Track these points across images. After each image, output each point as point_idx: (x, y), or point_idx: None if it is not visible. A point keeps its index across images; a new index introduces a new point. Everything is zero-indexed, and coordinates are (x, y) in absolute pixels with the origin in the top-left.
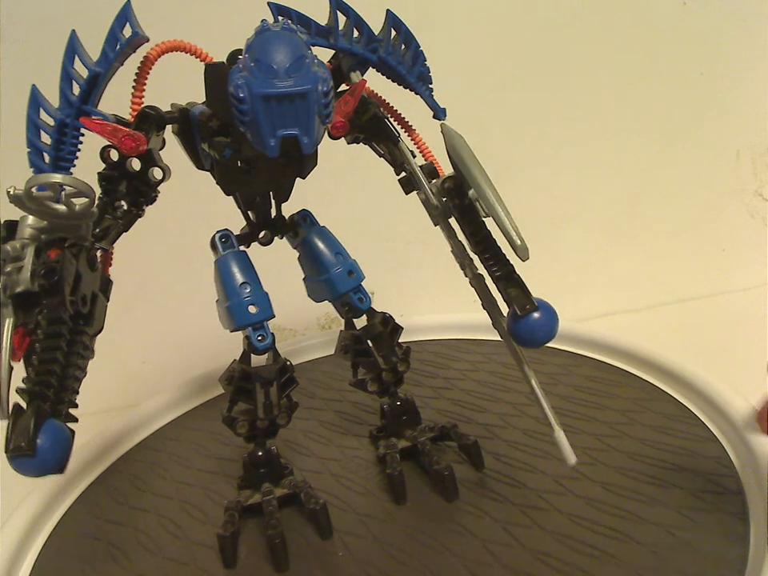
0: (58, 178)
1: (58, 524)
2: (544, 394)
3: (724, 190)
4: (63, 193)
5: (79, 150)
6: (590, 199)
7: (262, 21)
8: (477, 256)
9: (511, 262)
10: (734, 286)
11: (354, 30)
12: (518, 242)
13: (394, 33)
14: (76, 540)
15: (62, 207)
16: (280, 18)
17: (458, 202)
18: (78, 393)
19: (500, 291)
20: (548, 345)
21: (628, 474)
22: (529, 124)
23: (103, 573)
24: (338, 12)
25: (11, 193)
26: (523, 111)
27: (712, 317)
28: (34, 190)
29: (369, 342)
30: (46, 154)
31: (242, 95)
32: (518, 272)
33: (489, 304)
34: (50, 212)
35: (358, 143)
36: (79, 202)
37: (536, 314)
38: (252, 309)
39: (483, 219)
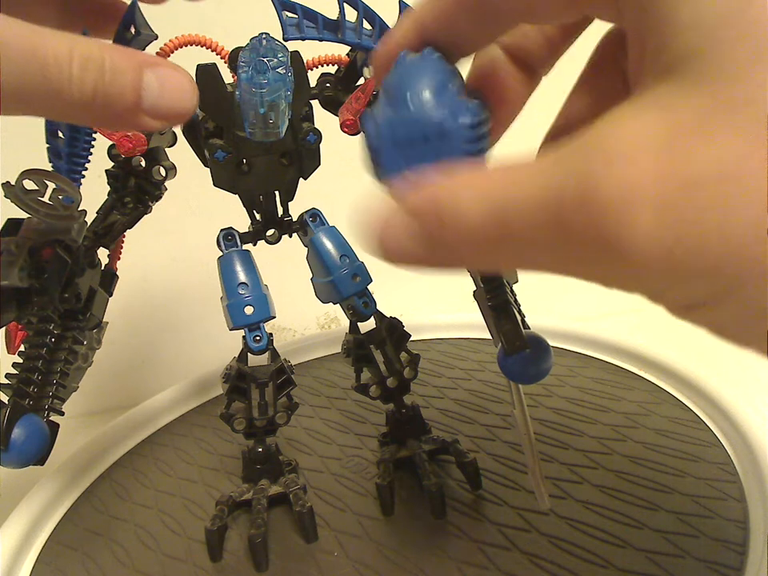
0: (44, 173)
1: (62, 519)
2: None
3: None
4: (52, 189)
5: (93, 146)
6: None
7: (400, 54)
8: (473, 277)
9: (509, 292)
10: None
11: (366, 23)
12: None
13: None
14: (79, 535)
15: (49, 203)
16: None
17: None
18: (65, 387)
19: (493, 321)
20: (555, 345)
21: (628, 479)
22: (533, 120)
23: (103, 568)
24: (346, 4)
25: (6, 187)
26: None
27: None
28: (24, 183)
29: (372, 347)
30: (62, 153)
31: (372, 140)
32: (514, 303)
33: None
34: (37, 206)
35: None
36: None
37: (527, 352)
38: (248, 310)
39: None
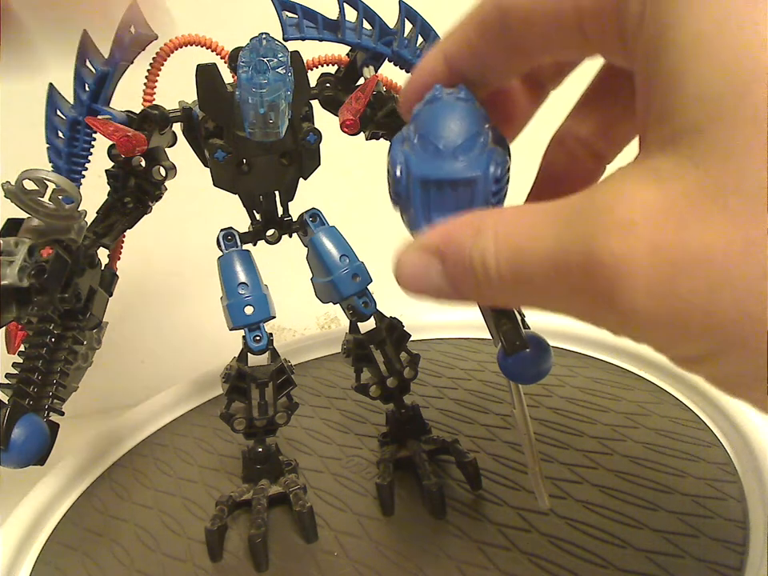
0: (44, 173)
1: (62, 519)
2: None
3: None
4: (52, 189)
5: (93, 146)
6: None
7: (434, 86)
8: None
9: None
10: None
11: (366, 23)
12: None
13: (409, 25)
14: (79, 535)
15: (49, 203)
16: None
17: None
18: (65, 387)
19: (493, 321)
20: (555, 345)
21: (628, 479)
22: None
23: (104, 569)
24: (346, 4)
25: (6, 187)
26: None
27: None
28: (24, 183)
29: (372, 347)
30: (62, 153)
31: (398, 174)
32: None
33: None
34: (36, 206)
35: (378, 139)
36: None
37: (527, 352)
38: (248, 310)
39: None
